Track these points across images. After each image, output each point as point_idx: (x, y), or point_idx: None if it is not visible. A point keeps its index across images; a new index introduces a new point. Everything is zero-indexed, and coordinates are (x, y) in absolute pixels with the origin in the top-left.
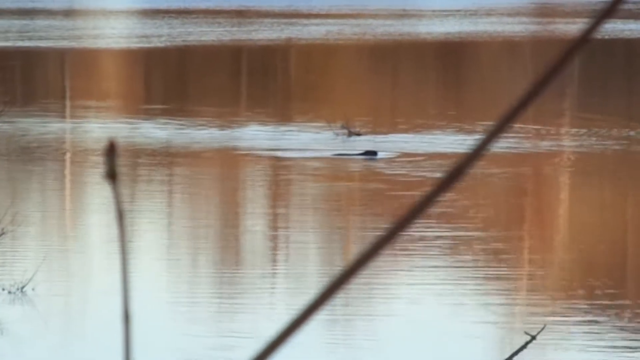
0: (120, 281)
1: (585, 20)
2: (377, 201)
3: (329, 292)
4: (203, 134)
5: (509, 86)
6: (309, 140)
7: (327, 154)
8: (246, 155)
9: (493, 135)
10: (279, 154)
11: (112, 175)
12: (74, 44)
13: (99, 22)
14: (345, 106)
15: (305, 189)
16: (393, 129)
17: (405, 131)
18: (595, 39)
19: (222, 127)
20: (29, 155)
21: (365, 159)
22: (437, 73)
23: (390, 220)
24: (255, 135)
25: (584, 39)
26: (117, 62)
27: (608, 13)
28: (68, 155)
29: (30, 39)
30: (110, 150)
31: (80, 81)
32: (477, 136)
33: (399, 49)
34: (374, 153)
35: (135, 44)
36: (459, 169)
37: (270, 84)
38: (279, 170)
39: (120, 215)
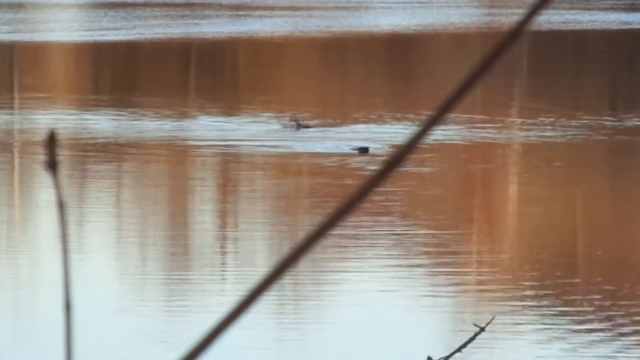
0: (61, 271)
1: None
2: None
3: (271, 277)
4: (153, 126)
5: (458, 77)
6: (260, 133)
7: (314, 149)
8: (199, 148)
9: (429, 126)
10: (243, 148)
11: (52, 165)
12: (22, 38)
13: (48, 15)
14: (294, 99)
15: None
16: (343, 121)
17: (357, 123)
18: (530, 31)
19: (171, 119)
20: None
21: (359, 155)
22: (387, 66)
23: (329, 211)
24: (206, 127)
25: (518, 31)
26: (66, 55)
27: (541, 5)
28: (16, 149)
29: None
30: (51, 140)
31: (29, 74)
32: (414, 127)
33: (349, 43)
34: (366, 149)
35: (86, 38)
36: (395, 159)
37: (219, 78)
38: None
39: (61, 205)
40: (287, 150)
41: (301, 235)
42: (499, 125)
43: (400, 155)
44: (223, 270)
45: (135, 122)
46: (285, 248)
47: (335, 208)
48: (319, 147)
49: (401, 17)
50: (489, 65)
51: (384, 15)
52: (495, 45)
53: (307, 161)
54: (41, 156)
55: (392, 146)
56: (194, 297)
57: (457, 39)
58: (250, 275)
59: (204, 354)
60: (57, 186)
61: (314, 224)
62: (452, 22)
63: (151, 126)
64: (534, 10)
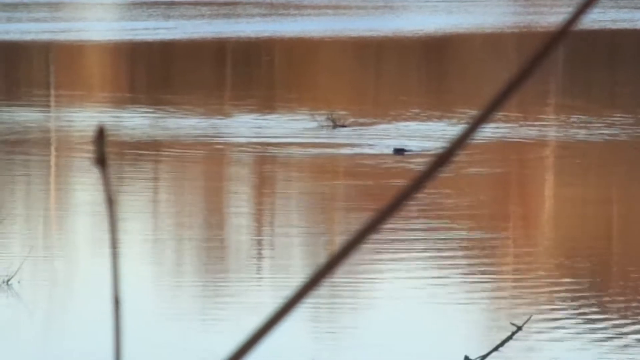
0: (110, 266)
1: (569, 10)
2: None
3: (311, 283)
4: (190, 124)
5: (493, 78)
6: (296, 132)
7: (346, 151)
8: (235, 146)
9: (476, 125)
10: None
11: (101, 161)
12: (59, 37)
13: (84, 15)
14: (330, 99)
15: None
16: (380, 121)
17: (394, 123)
18: (577, 31)
19: (212, 117)
20: (12, 147)
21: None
22: (423, 67)
23: (374, 211)
24: (244, 125)
25: (565, 31)
26: (105, 54)
27: (587, 5)
28: (53, 147)
29: (15, 32)
30: (99, 136)
31: (66, 74)
32: (461, 126)
33: (390, 43)
34: (402, 151)
35: (122, 37)
36: (442, 158)
37: (257, 78)
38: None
39: (110, 201)
40: (323, 149)
41: (337, 237)
42: (560, 123)
43: (447, 154)
44: (259, 272)
45: (171, 119)
46: (319, 249)
47: (383, 206)
48: (355, 147)
49: (446, 16)
50: (535, 64)
51: (430, 15)
52: (541, 44)
53: (343, 161)
54: (79, 153)
55: (436, 146)
56: (234, 294)
57: (502, 39)
58: (280, 275)
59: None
60: (106, 182)
61: (360, 224)
62: (503, 22)
63: (188, 124)
64: (580, 11)
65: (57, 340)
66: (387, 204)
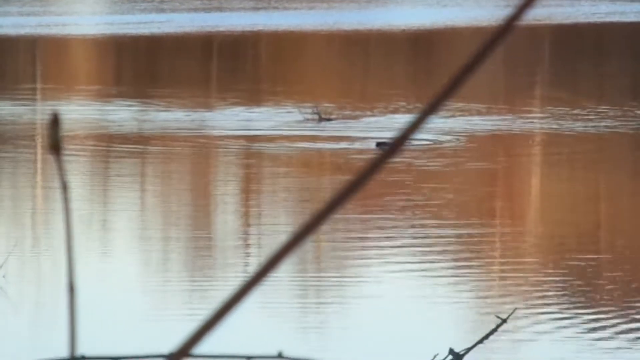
0: (65, 253)
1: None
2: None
3: (259, 275)
4: (177, 118)
5: (484, 71)
6: (282, 125)
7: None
8: (221, 139)
9: (424, 117)
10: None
11: (55, 148)
12: (52, 31)
13: (77, 9)
14: (318, 92)
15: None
16: (365, 114)
17: (378, 116)
18: (571, 24)
19: (195, 111)
20: None
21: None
22: (413, 61)
23: (327, 199)
24: (230, 118)
25: (510, 25)
26: (95, 49)
27: (530, 1)
28: (39, 141)
29: (7, 26)
30: (54, 123)
31: (57, 67)
32: (408, 119)
33: (378, 38)
34: (385, 145)
35: (115, 31)
36: (392, 149)
37: (248, 71)
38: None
39: (64, 187)
40: (306, 142)
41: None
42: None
43: (396, 145)
44: (241, 265)
45: (159, 112)
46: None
47: (334, 194)
48: (338, 141)
49: (439, 10)
50: (481, 58)
51: (423, 9)
52: (487, 39)
53: (324, 155)
54: (65, 147)
55: (422, 139)
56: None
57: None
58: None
59: (216, 326)
60: (60, 168)
61: (313, 211)
62: (496, 15)
63: (175, 117)
64: (525, 5)
65: (42, 334)
66: (334, 195)
